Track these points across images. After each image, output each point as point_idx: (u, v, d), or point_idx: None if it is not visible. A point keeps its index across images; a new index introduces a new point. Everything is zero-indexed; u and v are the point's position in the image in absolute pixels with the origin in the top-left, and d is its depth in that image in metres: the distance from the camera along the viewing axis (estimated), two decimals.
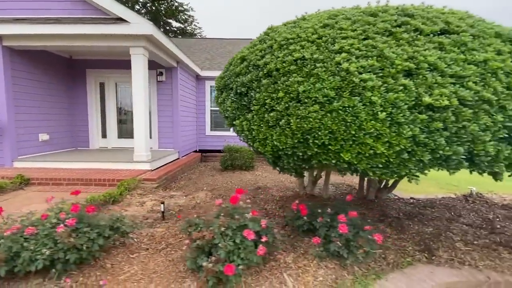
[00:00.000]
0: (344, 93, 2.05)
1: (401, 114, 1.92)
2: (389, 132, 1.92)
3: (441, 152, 1.91)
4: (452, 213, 3.80)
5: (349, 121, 2.00)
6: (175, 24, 22.79)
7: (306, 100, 2.17)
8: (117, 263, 2.33)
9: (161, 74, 7.49)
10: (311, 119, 2.11)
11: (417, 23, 2.34)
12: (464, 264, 2.55)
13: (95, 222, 2.31)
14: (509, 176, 2.34)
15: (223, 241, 1.97)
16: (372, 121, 1.95)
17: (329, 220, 2.57)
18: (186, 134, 8.31)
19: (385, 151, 1.94)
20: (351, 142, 2.02)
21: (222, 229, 2.01)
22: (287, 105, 2.26)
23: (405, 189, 5.72)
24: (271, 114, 2.35)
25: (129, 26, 5.17)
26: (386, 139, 1.93)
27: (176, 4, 21.05)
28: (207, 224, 2.12)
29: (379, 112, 1.94)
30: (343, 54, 2.17)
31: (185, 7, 21.72)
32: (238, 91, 2.72)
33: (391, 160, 1.97)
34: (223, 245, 1.89)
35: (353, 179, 6.22)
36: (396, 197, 4.69)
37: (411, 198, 4.69)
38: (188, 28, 22.64)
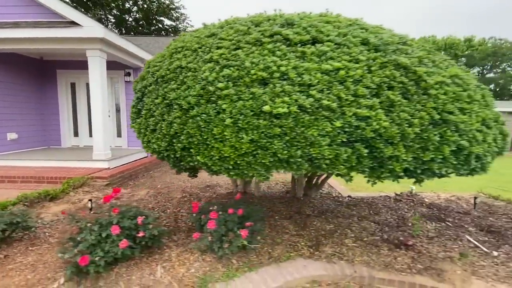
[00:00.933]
0: (202, 100, 2.22)
1: (246, 121, 2.09)
2: (233, 137, 2.09)
3: (279, 155, 2.07)
4: (371, 211, 3.94)
5: (203, 126, 2.18)
6: (167, 22, 22.94)
7: (175, 107, 2.35)
8: (13, 254, 2.57)
9: (128, 74, 7.71)
10: (175, 125, 2.29)
11: (288, 33, 2.48)
12: (342, 259, 2.72)
13: None
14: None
15: (89, 235, 2.18)
16: (220, 127, 2.12)
17: (220, 216, 2.75)
18: None
19: (231, 154, 2.11)
20: (205, 146, 2.20)
21: (89, 224, 2.22)
22: (162, 111, 2.45)
23: (367, 187, 5.89)
24: (152, 119, 2.54)
25: (82, 30, 5.38)
26: (232, 144, 2.10)
27: (167, 2, 21.18)
28: (77, 220, 2.34)
29: (227, 119, 2.11)
30: (210, 64, 2.34)
31: (176, 5, 21.83)
32: (137, 95, 2.91)
33: (239, 162, 2.14)
34: (82, 238, 2.10)
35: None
36: (334, 195, 4.84)
37: (348, 196, 4.83)
38: (180, 26, 22.78)
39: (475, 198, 4.19)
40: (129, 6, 20.52)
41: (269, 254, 2.77)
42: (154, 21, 22.21)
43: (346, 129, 2.11)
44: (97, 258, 2.08)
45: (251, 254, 2.73)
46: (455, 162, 2.19)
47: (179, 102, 2.33)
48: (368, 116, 2.11)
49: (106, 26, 20.85)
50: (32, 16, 5.55)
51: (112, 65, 7.04)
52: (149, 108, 2.62)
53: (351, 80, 2.20)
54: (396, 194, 4.70)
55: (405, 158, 2.12)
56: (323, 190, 5.30)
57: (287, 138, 2.08)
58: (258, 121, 2.08)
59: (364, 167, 2.15)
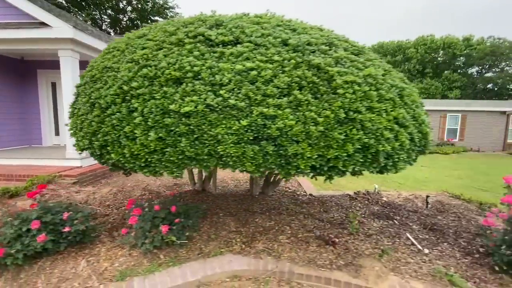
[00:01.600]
0: (118, 99, 2.30)
1: (155, 119, 2.15)
2: (143, 135, 2.16)
3: (187, 153, 2.14)
4: (322, 209, 3.99)
5: (116, 125, 2.25)
6: (161, 21, 23.00)
7: (96, 105, 2.43)
8: None
9: None
10: (94, 123, 2.37)
11: (211, 33, 2.54)
12: (270, 254, 2.78)
13: None
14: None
15: (10, 229, 2.27)
16: (132, 125, 2.19)
17: (147, 213, 2.83)
18: None
19: (141, 152, 2.18)
20: (118, 144, 2.27)
21: (10, 219, 2.30)
22: (86, 110, 2.53)
23: (343, 185, 5.97)
24: (80, 117, 2.62)
25: (51, 30, 5.49)
26: (142, 141, 2.17)
27: (161, 2, 21.31)
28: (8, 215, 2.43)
29: (138, 117, 2.18)
30: (130, 64, 2.41)
31: (170, 4, 21.95)
32: (75, 95, 3.00)
33: (150, 159, 2.22)
34: (1, 232, 2.19)
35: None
36: (296, 194, 4.89)
37: (310, 194, 4.88)
38: None
39: (427, 197, 4.22)
40: (123, 6, 20.67)
41: (200, 250, 2.84)
42: (149, 21, 22.32)
43: (253, 128, 2.16)
44: (13, 251, 2.17)
45: (182, 249, 2.80)
46: (361, 160, 2.24)
47: (99, 101, 2.40)
48: (275, 115, 2.17)
49: (101, 26, 21.08)
50: (3, 17, 5.67)
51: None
52: (79, 108, 2.71)
53: (262, 80, 2.26)
54: (354, 193, 4.74)
55: (310, 155, 2.17)
56: (289, 188, 5.36)
57: (195, 136, 2.15)
58: (166, 120, 2.15)
59: (271, 164, 2.21)
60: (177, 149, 2.15)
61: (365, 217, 3.84)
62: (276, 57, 2.36)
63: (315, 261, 2.66)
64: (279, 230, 3.22)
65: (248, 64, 2.28)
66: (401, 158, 2.40)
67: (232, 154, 2.14)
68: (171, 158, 2.16)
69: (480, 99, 27.84)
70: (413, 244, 3.12)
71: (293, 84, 2.27)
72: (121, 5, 20.64)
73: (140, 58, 2.44)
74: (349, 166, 2.23)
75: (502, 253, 2.50)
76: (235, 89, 2.22)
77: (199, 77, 2.27)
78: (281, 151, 2.18)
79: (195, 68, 2.26)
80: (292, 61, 2.35)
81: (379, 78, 2.38)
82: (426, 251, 2.95)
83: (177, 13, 22.66)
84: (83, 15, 19.14)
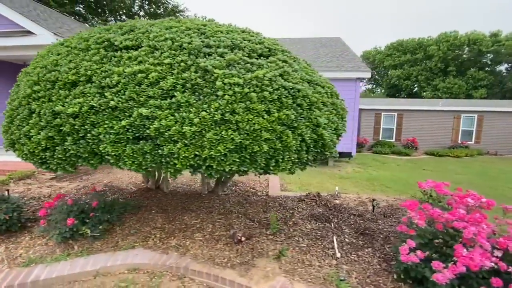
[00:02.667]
0: (24, 102, 2.52)
1: (47, 120, 2.35)
2: (36, 133, 2.36)
3: (71, 151, 2.31)
4: (261, 210, 4.01)
5: (19, 125, 2.48)
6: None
7: (8, 107, 2.68)
8: None
9: None
10: (5, 123, 2.62)
11: (117, 39, 2.70)
12: (178, 250, 2.88)
13: None
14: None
15: None
16: (30, 125, 2.41)
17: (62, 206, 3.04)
18: None
19: (35, 150, 2.39)
20: (21, 142, 2.50)
21: None
22: (6, 111, 2.79)
23: (327, 187, 5.98)
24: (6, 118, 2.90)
25: (36, 38, 5.99)
26: (37, 140, 2.37)
27: (171, 6, 22.07)
28: None
29: (34, 118, 2.39)
30: (38, 69, 2.64)
31: (180, 8, 22.66)
32: None
33: (44, 156, 2.41)
34: None
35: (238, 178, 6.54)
36: (250, 193, 4.93)
37: (266, 195, 4.90)
38: None
39: (373, 200, 4.07)
40: (135, 10, 21.67)
41: (115, 243, 3.01)
42: None
43: (134, 128, 2.28)
44: None
45: (98, 242, 2.99)
46: (238, 160, 2.27)
47: (13, 103, 2.65)
48: (156, 116, 2.27)
49: None
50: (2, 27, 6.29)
51: None
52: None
53: (148, 82, 2.37)
54: (305, 195, 4.68)
55: (187, 155, 2.25)
56: (253, 188, 5.41)
57: (80, 135, 2.31)
58: (56, 120, 2.33)
59: (151, 163, 2.31)
60: (64, 147, 2.33)
61: (303, 218, 3.81)
62: (167, 60, 2.46)
63: (215, 258, 2.72)
64: (200, 228, 3.31)
65: (137, 67, 2.41)
66: (286, 159, 2.40)
67: (112, 153, 2.28)
68: (59, 156, 2.35)
69: (510, 99, 25.71)
70: (332, 247, 3.07)
71: (178, 86, 2.36)
72: (134, 10, 21.64)
73: (50, 63, 2.66)
74: (225, 166, 2.27)
75: (400, 260, 2.40)
76: (122, 91, 2.36)
77: (92, 80, 2.43)
78: (159, 151, 2.28)
79: (88, 72, 2.43)
80: (182, 64, 2.44)
81: (266, 80, 2.39)
82: (338, 255, 2.89)
83: (188, 16, 23.34)
84: (99, 21, 20.34)
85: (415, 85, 34.22)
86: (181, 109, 2.30)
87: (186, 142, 2.24)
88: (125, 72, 2.41)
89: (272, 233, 3.25)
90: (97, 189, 3.98)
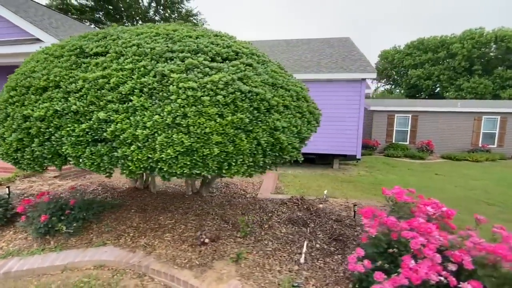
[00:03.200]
0: (1, 106, 2.72)
1: (18, 123, 2.52)
2: (9, 136, 2.54)
3: (37, 152, 2.45)
4: (240, 212, 4.02)
5: None
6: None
7: None
8: None
9: None
10: None
11: (88, 46, 2.84)
12: (145, 249, 2.97)
13: None
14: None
15: None
16: (4, 128, 2.59)
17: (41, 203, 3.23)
18: None
19: (8, 150, 2.57)
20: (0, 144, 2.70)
21: None
22: None
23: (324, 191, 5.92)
24: None
25: (44, 45, 6.39)
26: (8, 141, 2.55)
27: (184, 10, 22.65)
28: None
29: (7, 122, 2.57)
30: (18, 76, 2.84)
31: (194, 12, 23.19)
32: None
33: (15, 157, 2.59)
34: None
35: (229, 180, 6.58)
36: (235, 196, 4.96)
37: (253, 197, 4.91)
38: None
39: (354, 205, 3.95)
40: (151, 16, 22.45)
41: (90, 240, 3.15)
42: None
43: (92, 131, 2.40)
44: None
45: (73, 238, 3.15)
46: (189, 163, 2.31)
47: None
48: (113, 120, 2.37)
49: None
50: (8, 35, 6.78)
51: None
52: None
53: (109, 87, 2.48)
54: (288, 198, 4.63)
55: (140, 157, 2.32)
56: (243, 190, 5.44)
57: (45, 137, 2.46)
58: (26, 123, 2.50)
59: (108, 164, 2.41)
60: (32, 148, 2.49)
61: (279, 222, 3.78)
62: (129, 66, 2.56)
63: (176, 259, 2.77)
64: (172, 228, 3.38)
65: (99, 73, 2.52)
66: (239, 163, 2.40)
67: (73, 154, 2.40)
68: (28, 156, 2.51)
69: None
70: (300, 253, 3.02)
71: (136, 90, 2.45)
72: (149, 16, 22.44)
73: (28, 70, 2.85)
74: (176, 169, 2.32)
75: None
76: (84, 95, 2.48)
77: (60, 85, 2.58)
78: (115, 153, 2.38)
79: (57, 78, 2.59)
80: (143, 69, 2.53)
81: (220, 84, 2.42)
82: (302, 261, 2.84)
83: (201, 19, 23.85)
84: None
85: (437, 85, 32.63)
86: (136, 112, 2.38)
87: (139, 144, 2.32)
88: (89, 77, 2.53)
89: (241, 236, 3.26)
90: (88, 188, 4.19)
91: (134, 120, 2.34)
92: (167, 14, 23.12)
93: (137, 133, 2.29)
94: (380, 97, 37.28)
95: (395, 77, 38.52)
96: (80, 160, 2.43)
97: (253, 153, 2.44)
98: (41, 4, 10.32)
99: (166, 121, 2.29)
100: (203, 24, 24.18)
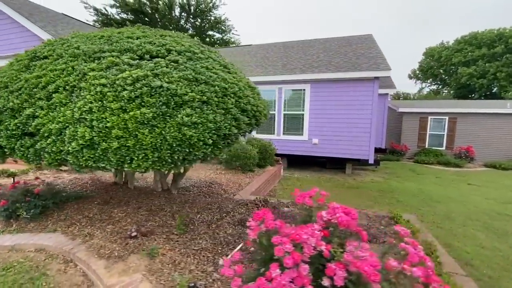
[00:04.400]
0: None
1: None
2: None
3: None
4: (195, 211, 4.02)
5: None
6: (217, 35, 25.45)
7: None
8: None
9: None
10: None
11: (41, 51, 3.16)
12: (85, 238, 3.15)
13: None
14: None
15: None
16: None
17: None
18: None
19: None
20: None
21: None
22: None
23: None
24: None
25: None
26: None
27: (213, 18, 23.60)
28: None
29: None
30: None
31: (222, 18, 24.03)
32: None
33: None
34: None
35: (216, 179, 6.58)
36: (209, 195, 4.99)
37: (225, 198, 4.89)
38: (225, 36, 24.91)
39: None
40: (182, 24, 23.85)
41: (45, 226, 3.47)
42: (206, 38, 25.02)
43: (22, 125, 2.65)
44: None
45: (33, 223, 3.50)
46: (91, 156, 2.41)
47: None
48: (37, 115, 2.60)
49: None
50: (31, 43, 7.81)
51: None
52: None
53: (41, 86, 2.72)
54: (252, 200, 4.48)
55: (55, 150, 2.49)
56: (223, 191, 5.46)
57: None
58: None
59: (33, 156, 2.64)
60: None
61: (230, 223, 3.69)
62: (61, 66, 2.79)
63: (101, 249, 2.89)
64: (118, 221, 3.53)
65: (36, 73, 2.79)
66: (141, 157, 2.42)
67: (7, 146, 2.68)
68: None
69: None
70: (227, 255, 2.91)
71: (60, 88, 2.65)
72: (181, 25, 23.85)
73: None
74: (83, 161, 2.44)
75: None
76: (21, 94, 2.77)
77: (7, 86, 2.91)
78: (37, 146, 2.59)
79: (6, 79, 2.93)
80: (70, 69, 2.73)
81: (129, 79, 2.48)
82: (221, 262, 2.72)
83: (229, 26, 24.60)
84: None
85: (493, 84, 28.61)
86: (56, 108, 2.57)
87: (54, 138, 2.50)
88: (28, 78, 2.81)
89: (178, 234, 3.26)
90: (81, 181, 4.61)
91: (52, 115, 2.53)
92: (197, 23, 24.34)
93: (51, 127, 2.47)
94: (420, 97, 33.97)
95: (443, 76, 34.82)
96: (15, 152, 2.71)
97: (158, 149, 2.45)
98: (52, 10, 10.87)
99: (75, 116, 2.43)
100: (230, 30, 24.91)
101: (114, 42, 3.06)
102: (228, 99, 2.84)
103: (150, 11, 21.86)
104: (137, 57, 2.86)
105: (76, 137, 2.40)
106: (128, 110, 2.42)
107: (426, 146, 14.33)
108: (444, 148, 14.04)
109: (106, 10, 21.75)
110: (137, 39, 3.19)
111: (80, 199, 4.16)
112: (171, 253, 2.83)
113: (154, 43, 3.10)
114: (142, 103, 2.46)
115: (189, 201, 4.47)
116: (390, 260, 1.72)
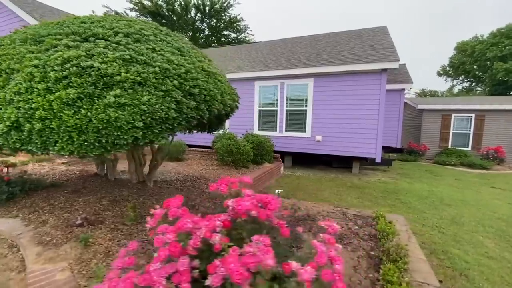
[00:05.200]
0: None
1: None
2: None
3: None
4: (157, 203, 3.88)
5: None
6: (233, 35, 25.59)
7: None
8: None
9: None
10: None
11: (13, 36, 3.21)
12: (38, 224, 3.14)
13: None
14: None
15: None
16: None
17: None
18: None
19: None
20: None
21: None
22: None
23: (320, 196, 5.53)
24: None
25: None
26: None
27: (228, 18, 23.74)
28: None
29: None
30: None
31: (237, 18, 24.10)
32: None
33: None
34: None
35: (205, 175, 6.43)
36: (190, 188, 4.86)
37: (201, 192, 4.74)
38: (240, 36, 24.95)
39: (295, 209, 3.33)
40: (198, 25, 24.25)
41: (9, 212, 3.52)
42: (221, 37, 25.26)
43: None
44: None
45: (0, 208, 3.57)
46: (19, 138, 2.35)
47: None
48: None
49: None
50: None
51: None
52: None
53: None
54: None
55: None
56: (207, 185, 5.32)
57: None
58: None
59: None
60: None
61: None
62: (8, 51, 2.78)
63: (44, 236, 2.84)
64: (76, 210, 3.49)
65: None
66: (65, 140, 2.30)
67: None
68: None
69: None
70: None
71: (1, 72, 2.63)
72: (197, 25, 24.27)
73: None
74: (11, 143, 2.38)
75: None
76: None
77: None
78: None
79: None
80: (35, 51, 2.69)
81: (58, 60, 2.39)
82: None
83: (244, 25, 24.60)
84: None
85: None
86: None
87: None
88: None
89: (128, 225, 3.14)
90: (70, 172, 4.72)
91: None
92: (212, 23, 24.62)
93: None
94: (449, 94, 31.52)
95: (476, 72, 32.08)
96: None
97: (84, 131, 2.33)
98: None
99: (6, 98, 2.39)
100: (245, 29, 24.89)
101: (65, 27, 3.02)
102: (171, 81, 2.66)
103: (166, 13, 22.47)
104: (81, 39, 2.78)
105: (4, 118, 2.36)
106: (54, 91, 2.33)
107: (449, 146, 13.15)
108: (469, 148, 12.78)
109: (127, 14, 22.71)
110: (91, 23, 3.12)
111: (53, 187, 4.21)
112: (109, 243, 2.70)
113: (104, 26, 3.01)
114: (70, 84, 2.35)
115: (160, 193, 4.36)
116: (292, 262, 1.43)
